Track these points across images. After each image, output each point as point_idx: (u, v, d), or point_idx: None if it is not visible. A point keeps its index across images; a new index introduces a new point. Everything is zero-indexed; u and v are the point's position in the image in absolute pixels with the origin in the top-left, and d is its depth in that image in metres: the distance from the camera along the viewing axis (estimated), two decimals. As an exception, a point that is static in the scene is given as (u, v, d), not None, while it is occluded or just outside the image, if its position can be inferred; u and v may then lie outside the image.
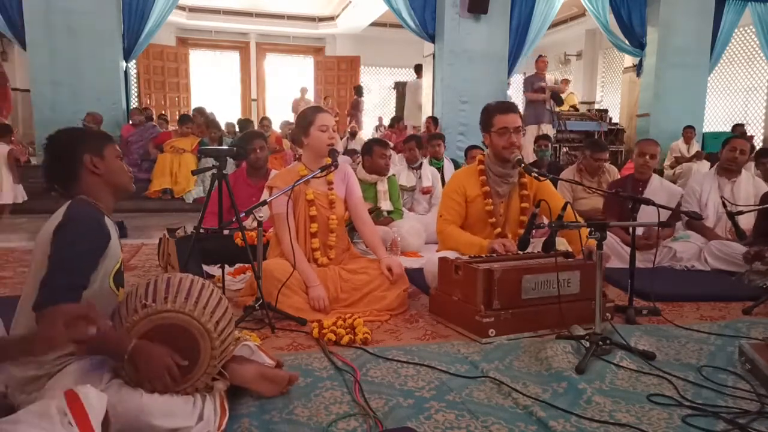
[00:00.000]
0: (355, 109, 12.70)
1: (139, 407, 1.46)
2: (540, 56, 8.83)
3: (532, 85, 8.51)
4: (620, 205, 3.59)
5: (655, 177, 4.03)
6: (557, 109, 9.09)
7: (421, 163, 5.31)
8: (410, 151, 5.25)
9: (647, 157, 3.93)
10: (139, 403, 1.46)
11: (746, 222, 3.49)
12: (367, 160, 4.51)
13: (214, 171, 2.64)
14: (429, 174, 5.28)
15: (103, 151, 1.69)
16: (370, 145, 4.59)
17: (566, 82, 12.43)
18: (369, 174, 4.51)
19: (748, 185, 4.07)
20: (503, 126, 2.86)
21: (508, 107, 2.98)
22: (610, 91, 14.56)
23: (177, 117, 8.98)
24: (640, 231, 3.69)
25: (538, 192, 3.01)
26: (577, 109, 11.11)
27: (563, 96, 9.51)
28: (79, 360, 1.51)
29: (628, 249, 2.97)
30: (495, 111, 2.93)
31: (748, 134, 9.87)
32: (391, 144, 8.40)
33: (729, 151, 4.08)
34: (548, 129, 8.39)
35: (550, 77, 8.76)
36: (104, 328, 1.13)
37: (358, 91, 13.11)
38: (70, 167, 1.65)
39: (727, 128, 10.71)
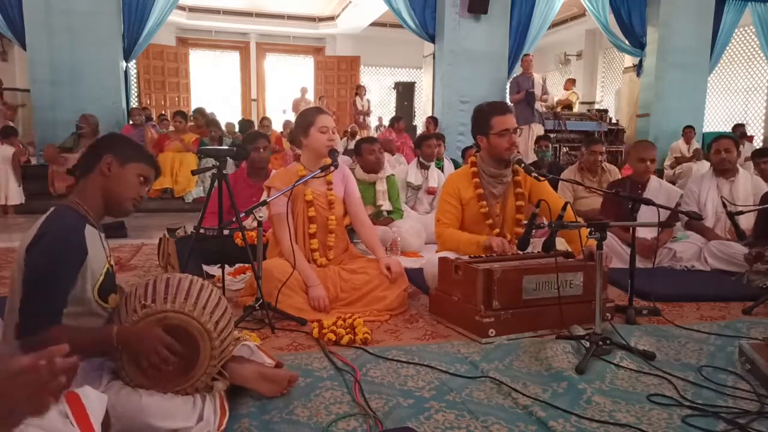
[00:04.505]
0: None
1: (139, 408, 1.46)
2: (525, 55, 8.81)
3: (518, 84, 8.50)
4: (618, 205, 3.58)
5: (653, 178, 4.02)
6: (543, 108, 9.13)
7: (431, 163, 5.32)
8: (428, 148, 5.23)
9: (648, 162, 3.90)
10: (138, 404, 1.46)
11: (746, 222, 3.49)
12: (360, 161, 4.58)
13: (214, 171, 2.64)
14: (436, 175, 5.29)
15: (127, 162, 1.65)
16: (357, 146, 4.68)
17: (571, 82, 12.44)
18: (367, 174, 4.53)
19: (746, 184, 4.08)
20: (504, 128, 2.84)
21: (505, 108, 2.95)
22: (610, 91, 14.56)
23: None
24: (640, 231, 3.68)
25: (532, 190, 3.00)
26: (570, 108, 11.11)
27: (547, 95, 9.49)
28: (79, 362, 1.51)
29: (629, 249, 2.97)
30: (492, 113, 2.88)
31: (748, 134, 9.89)
32: (387, 139, 8.39)
33: (714, 153, 4.10)
34: (539, 129, 8.38)
35: (538, 76, 8.74)
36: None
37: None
38: (92, 158, 1.64)
39: (728, 128, 10.72)
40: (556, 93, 12.60)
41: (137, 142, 1.81)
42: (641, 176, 3.96)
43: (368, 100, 12.76)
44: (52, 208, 1.58)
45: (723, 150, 4.05)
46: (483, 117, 2.91)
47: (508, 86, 9.20)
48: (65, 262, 1.49)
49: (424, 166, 5.27)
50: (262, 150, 4.05)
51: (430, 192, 5.20)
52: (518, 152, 2.91)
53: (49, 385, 0.89)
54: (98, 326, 1.56)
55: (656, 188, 3.92)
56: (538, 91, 8.47)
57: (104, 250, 1.64)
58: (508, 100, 8.44)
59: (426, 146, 5.27)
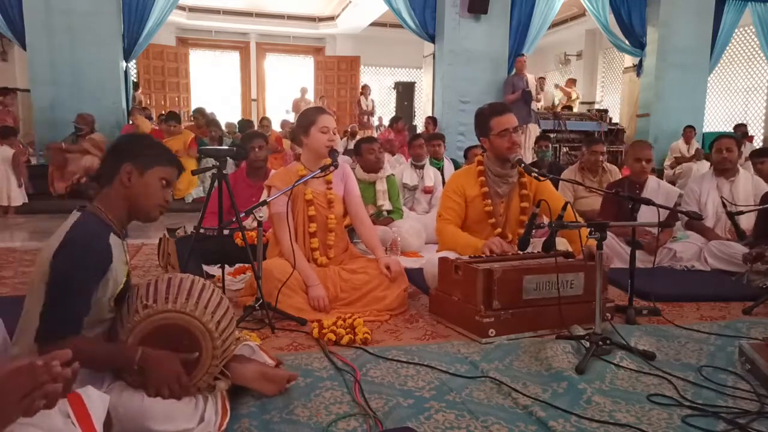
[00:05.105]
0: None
1: (140, 410, 1.46)
2: (519, 55, 8.82)
3: (513, 85, 8.49)
4: (618, 205, 3.59)
5: (651, 178, 4.03)
6: (543, 109, 9.13)
7: (424, 163, 5.33)
8: (419, 148, 5.25)
9: (643, 162, 3.93)
10: (140, 406, 1.46)
11: (746, 222, 3.50)
12: (359, 161, 4.60)
13: (214, 171, 2.64)
14: (431, 174, 5.30)
15: (147, 169, 1.61)
16: (357, 146, 4.70)
17: (572, 82, 12.44)
18: (367, 173, 4.54)
19: (747, 184, 4.08)
20: (504, 128, 2.86)
21: (503, 108, 2.99)
22: (610, 91, 14.56)
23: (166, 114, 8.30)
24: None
25: (537, 192, 3.01)
26: (570, 108, 11.12)
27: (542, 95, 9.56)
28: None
29: (629, 249, 2.97)
30: (490, 114, 2.92)
31: (749, 134, 9.89)
32: (387, 139, 8.38)
33: (716, 152, 4.11)
34: (535, 129, 8.37)
35: (531, 77, 8.75)
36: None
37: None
38: (110, 168, 1.60)
39: (727, 128, 10.72)
40: (557, 91, 12.61)
41: (154, 140, 1.76)
42: (639, 176, 3.97)
43: (372, 101, 12.79)
44: (78, 214, 1.56)
45: (724, 149, 4.05)
46: (483, 119, 2.95)
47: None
48: (90, 269, 1.48)
49: (417, 167, 5.28)
50: (257, 149, 4.06)
51: (427, 191, 5.21)
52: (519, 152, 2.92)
53: (44, 388, 0.89)
54: (119, 344, 1.54)
55: (654, 188, 3.93)
56: (532, 91, 8.48)
57: (125, 259, 1.63)
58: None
59: (413, 147, 5.32)
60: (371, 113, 12.58)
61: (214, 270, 3.31)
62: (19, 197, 6.62)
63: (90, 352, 1.44)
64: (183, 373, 1.50)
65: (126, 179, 1.58)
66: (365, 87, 12.73)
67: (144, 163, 1.61)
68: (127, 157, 1.60)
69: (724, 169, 4.08)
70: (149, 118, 9.34)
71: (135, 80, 11.51)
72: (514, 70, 8.80)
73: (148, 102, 12.65)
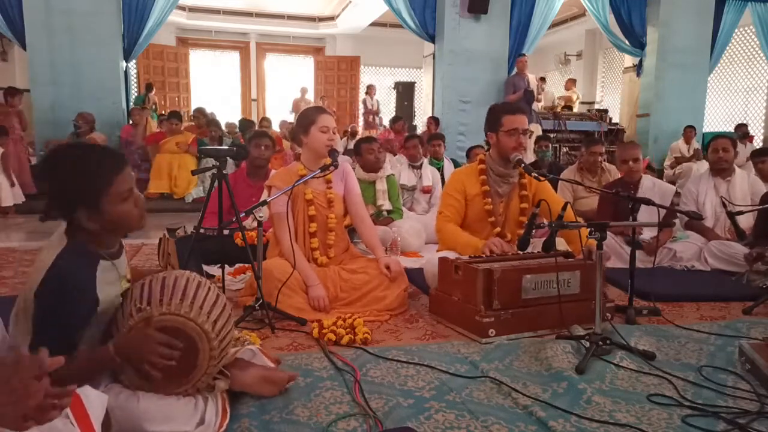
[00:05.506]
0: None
1: (137, 412, 1.44)
2: (520, 55, 8.83)
3: (514, 85, 8.50)
4: (615, 205, 3.60)
5: (646, 177, 4.05)
6: (543, 109, 9.15)
7: (422, 163, 5.33)
8: (413, 149, 5.28)
9: (630, 162, 3.97)
10: (136, 407, 1.45)
11: (744, 221, 3.49)
12: (359, 160, 4.61)
13: (214, 171, 2.64)
14: (429, 173, 5.31)
15: (99, 201, 1.43)
16: (357, 146, 4.72)
17: (572, 82, 12.44)
18: (367, 173, 4.54)
19: (743, 183, 4.09)
20: (514, 127, 2.87)
21: (517, 108, 3.00)
22: (610, 91, 14.56)
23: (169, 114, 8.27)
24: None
25: (537, 192, 3.02)
26: (571, 108, 11.13)
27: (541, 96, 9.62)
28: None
29: (628, 249, 2.97)
30: (503, 111, 2.94)
31: (750, 134, 9.88)
32: (387, 139, 8.40)
33: (712, 152, 4.14)
34: (536, 129, 8.39)
35: (532, 77, 8.76)
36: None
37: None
38: (65, 217, 1.46)
39: (727, 128, 10.71)
40: (557, 92, 12.59)
41: (80, 157, 1.47)
42: (631, 177, 4.01)
43: (377, 101, 12.80)
44: (63, 244, 1.44)
45: (720, 149, 4.07)
46: (495, 114, 2.97)
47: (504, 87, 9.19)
48: (75, 313, 1.42)
49: (414, 167, 5.30)
50: (263, 148, 4.07)
51: (426, 191, 5.22)
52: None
53: (34, 399, 0.89)
54: (93, 349, 1.50)
55: (650, 187, 3.94)
56: (534, 91, 8.49)
57: (120, 276, 1.56)
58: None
59: (407, 148, 5.35)
60: (376, 113, 12.58)
61: (214, 270, 3.31)
62: (10, 197, 6.55)
63: (76, 373, 1.37)
64: (158, 334, 1.43)
65: (89, 223, 1.44)
66: (371, 87, 12.72)
67: (92, 199, 1.43)
68: (74, 205, 1.43)
69: (721, 169, 4.09)
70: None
71: (149, 82, 11.49)
72: (515, 70, 8.80)
73: (148, 102, 12.65)
